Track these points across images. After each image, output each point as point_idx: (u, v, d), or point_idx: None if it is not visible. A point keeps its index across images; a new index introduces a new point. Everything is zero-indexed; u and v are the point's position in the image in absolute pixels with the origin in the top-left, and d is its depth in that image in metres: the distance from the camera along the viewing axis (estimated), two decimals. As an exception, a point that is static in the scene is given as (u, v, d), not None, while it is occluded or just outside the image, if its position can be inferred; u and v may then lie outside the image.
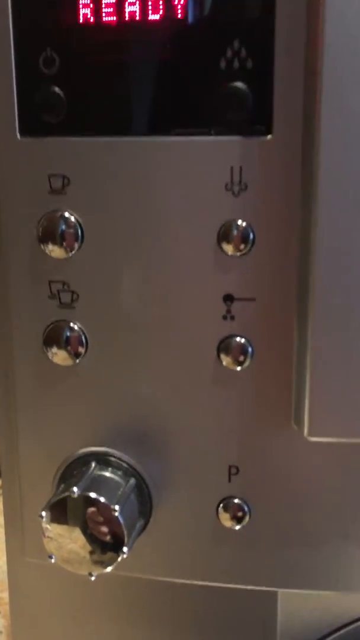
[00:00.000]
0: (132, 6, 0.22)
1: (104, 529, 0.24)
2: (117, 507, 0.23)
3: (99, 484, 0.25)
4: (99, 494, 0.23)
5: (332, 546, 0.26)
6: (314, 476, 0.25)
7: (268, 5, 0.21)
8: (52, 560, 0.24)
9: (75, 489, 0.23)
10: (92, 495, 0.23)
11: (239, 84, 0.22)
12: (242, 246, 0.23)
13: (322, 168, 0.21)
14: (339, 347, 0.22)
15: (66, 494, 0.23)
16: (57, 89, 0.23)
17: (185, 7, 0.22)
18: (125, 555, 0.23)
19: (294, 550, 0.26)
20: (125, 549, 0.23)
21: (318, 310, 0.22)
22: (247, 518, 0.25)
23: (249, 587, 0.26)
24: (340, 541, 0.26)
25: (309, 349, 0.23)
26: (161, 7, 0.22)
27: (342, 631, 0.29)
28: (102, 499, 0.23)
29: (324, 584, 0.26)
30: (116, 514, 0.23)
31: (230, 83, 0.22)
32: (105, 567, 0.24)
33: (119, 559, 0.23)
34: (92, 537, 0.25)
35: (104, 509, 0.23)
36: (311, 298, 0.22)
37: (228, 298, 0.24)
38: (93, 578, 0.24)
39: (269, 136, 0.22)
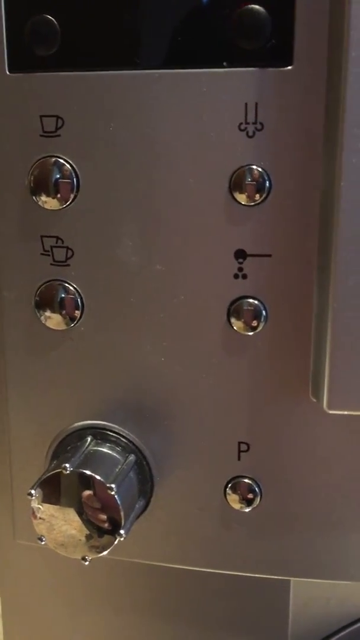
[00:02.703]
0: None
1: (100, 511, 0.22)
2: (113, 486, 0.21)
3: (94, 460, 0.22)
4: (95, 471, 0.21)
5: (350, 533, 0.24)
6: (332, 454, 0.22)
7: None
8: (42, 543, 0.22)
9: (67, 465, 0.21)
10: (87, 472, 0.21)
11: (256, 7, 0.19)
12: (256, 195, 0.20)
13: (349, 104, 0.19)
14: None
15: (58, 470, 0.21)
16: (49, 17, 0.20)
17: None
18: (122, 539, 0.21)
19: (308, 535, 0.24)
20: (122, 531, 0.21)
21: (342, 269, 0.20)
22: (257, 500, 0.23)
23: (259, 576, 0.24)
24: (358, 528, 0.23)
25: (330, 313, 0.20)
26: None
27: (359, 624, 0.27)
28: (97, 477, 0.21)
29: (340, 573, 0.24)
30: (113, 492, 0.20)
31: (246, 5, 0.19)
32: (102, 551, 0.22)
33: (116, 542, 0.21)
34: (88, 519, 0.23)
35: (100, 488, 0.21)
36: (334, 254, 0.20)
37: (240, 254, 0.21)
38: (87, 563, 0.22)
39: (289, 67, 0.19)
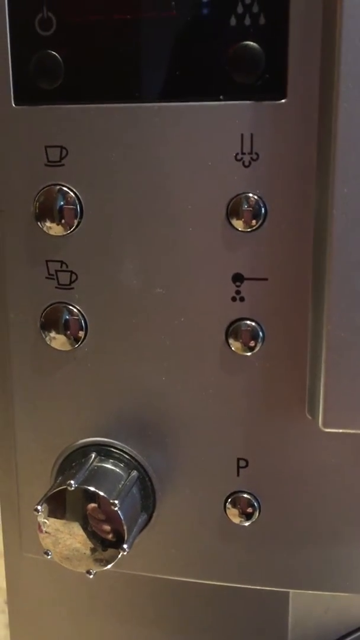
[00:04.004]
0: None
1: (104, 525, 0.23)
2: (116, 502, 0.21)
3: (98, 476, 0.23)
4: (98, 487, 0.22)
5: (347, 545, 0.24)
6: (329, 470, 0.23)
7: None
8: (49, 557, 0.23)
9: (72, 481, 0.22)
10: (91, 488, 0.22)
11: (251, 43, 0.20)
12: (253, 221, 0.21)
13: (341, 135, 0.19)
14: (358, 331, 0.21)
15: (63, 486, 0.22)
16: (54, 52, 0.21)
17: None
18: (125, 552, 0.22)
19: (306, 549, 0.24)
20: (125, 545, 0.22)
21: (335, 291, 0.20)
22: (256, 514, 0.24)
23: (259, 587, 0.25)
24: (356, 540, 0.24)
25: (324, 333, 0.21)
26: None
27: (358, 634, 0.28)
28: (101, 493, 0.21)
29: (338, 585, 0.25)
30: (116, 508, 0.21)
31: (241, 42, 0.20)
32: (106, 564, 0.23)
33: (120, 555, 0.22)
34: (92, 533, 0.23)
35: (103, 503, 0.22)
36: (328, 278, 0.20)
37: (237, 278, 0.22)
38: (91, 576, 0.23)
39: (283, 100, 0.20)
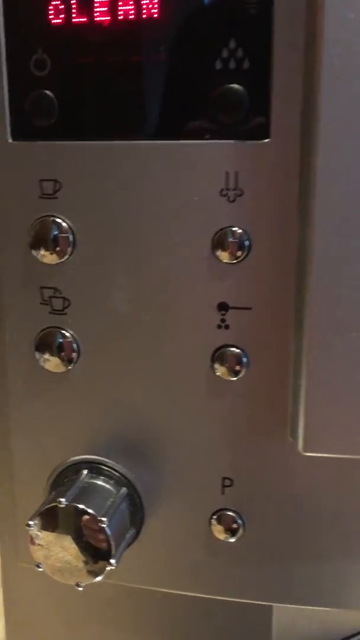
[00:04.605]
0: (125, 6, 0.21)
1: (98, 532, 0.24)
2: (104, 519, 0.23)
3: (89, 493, 0.24)
4: (88, 504, 0.23)
5: (329, 562, 0.25)
6: (310, 490, 0.24)
7: (265, 2, 0.20)
8: (40, 569, 0.24)
9: (62, 499, 0.23)
10: (80, 506, 0.23)
11: (235, 86, 0.21)
12: (237, 253, 0.22)
13: (320, 173, 0.20)
14: (337, 360, 0.22)
15: (54, 504, 0.23)
16: (48, 92, 0.22)
17: (179, 6, 0.21)
18: (113, 567, 0.23)
19: (289, 564, 0.25)
20: (113, 560, 0.23)
21: (315, 322, 0.21)
22: (241, 531, 0.25)
23: (243, 601, 0.26)
24: (337, 557, 0.25)
25: (304, 362, 0.22)
26: (155, 6, 0.21)
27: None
28: (89, 510, 0.23)
29: (320, 600, 0.26)
30: (104, 525, 0.22)
31: (226, 84, 0.21)
32: (95, 577, 0.24)
33: (107, 569, 0.23)
34: (84, 546, 0.25)
35: (92, 520, 0.23)
36: (308, 308, 0.21)
37: (223, 306, 0.23)
38: (81, 588, 0.24)
39: (266, 140, 0.21)
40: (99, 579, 0.24)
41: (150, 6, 0.21)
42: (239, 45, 0.21)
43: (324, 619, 0.29)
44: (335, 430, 0.22)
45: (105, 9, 0.21)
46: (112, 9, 0.21)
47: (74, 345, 0.24)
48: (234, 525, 0.25)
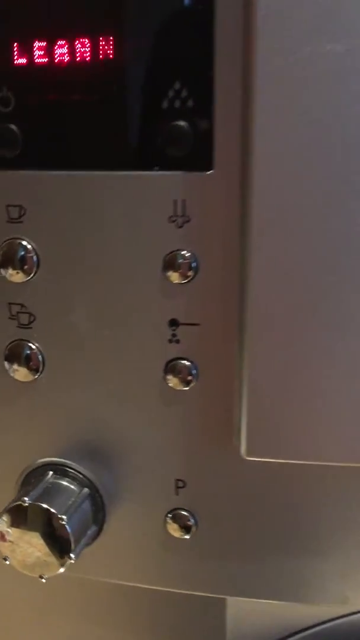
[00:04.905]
0: (83, 47, 0.23)
1: (59, 532, 0.26)
2: (64, 517, 0.25)
3: (53, 492, 0.26)
4: (51, 503, 0.25)
5: (275, 558, 0.27)
6: (256, 490, 0.26)
7: (207, 48, 0.22)
8: (7, 562, 0.26)
9: (26, 498, 0.25)
10: (43, 505, 0.25)
11: (181, 123, 0.23)
12: (186, 274, 0.24)
13: (256, 202, 0.22)
14: (275, 371, 0.23)
15: (18, 502, 0.25)
16: (13, 126, 0.24)
17: (132, 50, 0.23)
18: (72, 561, 0.25)
19: (239, 560, 0.27)
20: (72, 555, 0.25)
21: (253, 335, 0.23)
22: (194, 528, 0.27)
23: (197, 593, 0.28)
24: (282, 554, 0.27)
25: (246, 373, 0.24)
26: (110, 49, 0.23)
27: (294, 637, 0.30)
28: (51, 509, 0.25)
29: (269, 593, 0.28)
30: (63, 522, 0.24)
31: (173, 122, 0.23)
32: (57, 569, 0.26)
33: (67, 563, 0.25)
34: (49, 542, 0.26)
35: (54, 518, 0.25)
36: (248, 324, 0.23)
37: (174, 323, 0.25)
38: (44, 580, 0.26)
39: (210, 171, 0.23)
40: (61, 571, 0.26)
41: (106, 48, 0.23)
42: (184, 86, 0.22)
43: (278, 612, 0.31)
44: (274, 436, 0.24)
45: (65, 50, 0.23)
46: (71, 51, 0.23)
47: (39, 357, 0.27)
48: (188, 523, 0.27)
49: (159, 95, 0.23)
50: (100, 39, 0.23)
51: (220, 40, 0.22)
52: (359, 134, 0.21)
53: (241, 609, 0.29)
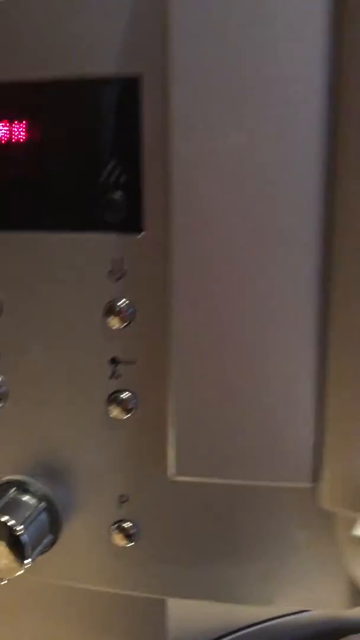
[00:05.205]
0: (18, 124, 0.27)
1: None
2: (21, 527, 0.28)
3: (13, 506, 0.30)
4: (10, 515, 0.29)
5: (207, 562, 0.31)
6: (188, 505, 0.30)
7: (136, 138, 0.26)
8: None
9: (-11, 511, 0.29)
10: (2, 518, 0.29)
11: (116, 194, 0.27)
12: (124, 319, 0.28)
13: (176, 260, 0.26)
14: (199, 401, 0.27)
15: (-17, 515, 0.29)
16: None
17: (65, 136, 0.27)
18: (27, 566, 0.29)
19: (177, 564, 0.31)
20: (26, 561, 0.29)
21: (179, 374, 0.27)
22: (137, 537, 0.31)
23: (138, 594, 0.31)
24: (213, 559, 0.30)
25: (173, 405, 0.28)
26: (40, 132, 0.27)
27: (232, 636, 0.34)
28: (9, 522, 0.29)
29: (203, 594, 0.31)
30: (18, 533, 0.28)
31: (109, 193, 0.27)
32: (15, 572, 0.30)
33: (23, 568, 0.29)
34: (13, 549, 0.30)
35: (13, 529, 0.29)
36: (173, 363, 0.27)
37: (114, 361, 0.29)
38: (4, 582, 0.30)
39: (142, 234, 0.27)
40: (19, 574, 0.30)
41: (42, 131, 0.27)
42: (118, 164, 0.27)
43: (219, 612, 0.35)
44: (198, 459, 0.28)
45: (7, 129, 0.27)
46: (10, 131, 0.28)
47: (4, 388, 0.30)
48: (131, 533, 0.31)
49: (96, 172, 0.27)
50: (30, 122, 0.27)
51: (147, 128, 0.26)
52: (262, 211, 0.25)
53: (183, 609, 0.33)
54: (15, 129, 0.27)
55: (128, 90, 0.26)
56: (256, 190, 0.25)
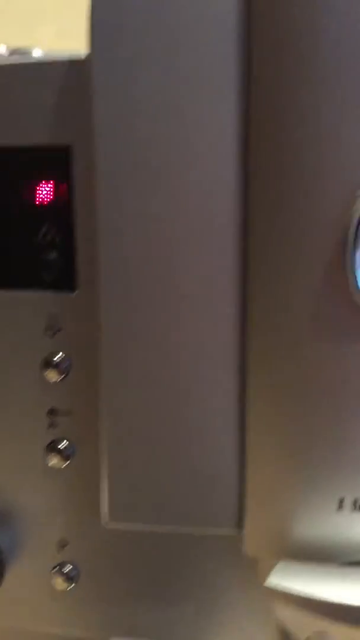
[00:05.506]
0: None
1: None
2: None
3: None
4: None
5: (145, 603, 0.32)
6: (123, 550, 0.31)
7: (68, 202, 0.27)
8: None
9: None
10: None
11: (51, 254, 0.28)
12: (60, 373, 0.29)
13: (104, 316, 0.27)
14: (130, 454, 0.28)
15: None
16: None
17: (2, 199, 0.28)
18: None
19: (116, 605, 0.32)
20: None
21: (108, 430, 0.28)
22: (76, 581, 0.32)
23: (79, 635, 0.32)
24: (148, 600, 0.32)
25: (105, 454, 0.29)
26: None
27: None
28: None
29: (143, 633, 0.32)
30: None
31: (44, 253, 0.28)
32: None
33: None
34: None
35: None
36: (103, 421, 0.28)
37: (51, 412, 0.30)
38: None
39: (75, 292, 0.29)
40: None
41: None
42: (51, 228, 0.28)
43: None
44: (131, 506, 0.29)
45: None
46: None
47: None
48: (71, 575, 0.32)
49: (32, 234, 0.28)
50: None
51: (78, 193, 0.27)
52: (183, 274, 0.26)
53: None
54: None
55: (60, 158, 0.28)
56: (177, 255, 0.26)
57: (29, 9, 0.61)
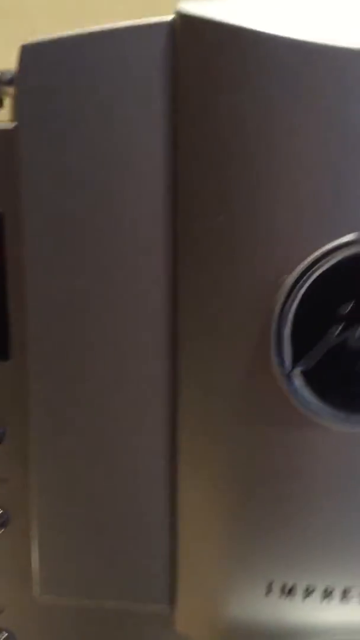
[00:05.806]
0: None
1: None
2: None
3: None
4: None
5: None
6: (58, 622, 0.30)
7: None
8: None
9: None
10: None
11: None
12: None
13: (33, 385, 0.27)
14: (58, 528, 0.28)
15: None
16: None
17: None
18: None
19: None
20: None
21: (38, 503, 0.28)
22: (13, 647, 0.31)
23: None
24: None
25: (34, 530, 0.28)
26: None
27: None
28: None
29: None
30: None
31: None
32: None
33: None
34: None
35: None
36: (34, 490, 0.28)
37: (-14, 480, 0.30)
38: None
39: (8, 361, 0.28)
40: None
41: None
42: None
43: None
44: (61, 580, 0.28)
45: None
46: None
47: None
48: (7, 643, 0.31)
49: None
50: None
51: (10, 263, 0.27)
52: (113, 346, 0.26)
53: None
54: None
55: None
56: (105, 328, 0.26)
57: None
